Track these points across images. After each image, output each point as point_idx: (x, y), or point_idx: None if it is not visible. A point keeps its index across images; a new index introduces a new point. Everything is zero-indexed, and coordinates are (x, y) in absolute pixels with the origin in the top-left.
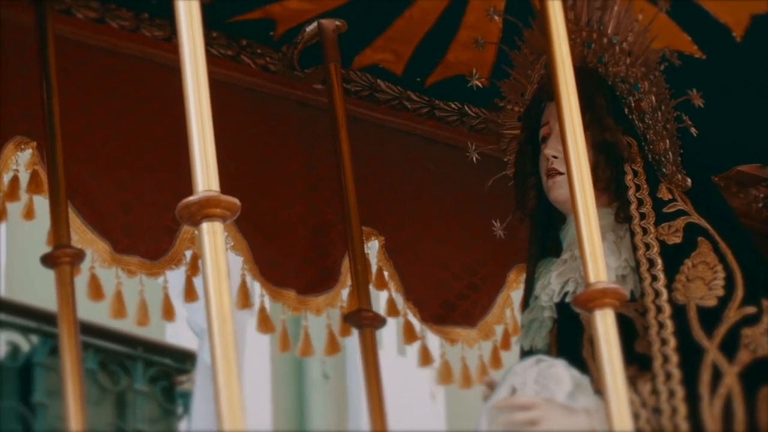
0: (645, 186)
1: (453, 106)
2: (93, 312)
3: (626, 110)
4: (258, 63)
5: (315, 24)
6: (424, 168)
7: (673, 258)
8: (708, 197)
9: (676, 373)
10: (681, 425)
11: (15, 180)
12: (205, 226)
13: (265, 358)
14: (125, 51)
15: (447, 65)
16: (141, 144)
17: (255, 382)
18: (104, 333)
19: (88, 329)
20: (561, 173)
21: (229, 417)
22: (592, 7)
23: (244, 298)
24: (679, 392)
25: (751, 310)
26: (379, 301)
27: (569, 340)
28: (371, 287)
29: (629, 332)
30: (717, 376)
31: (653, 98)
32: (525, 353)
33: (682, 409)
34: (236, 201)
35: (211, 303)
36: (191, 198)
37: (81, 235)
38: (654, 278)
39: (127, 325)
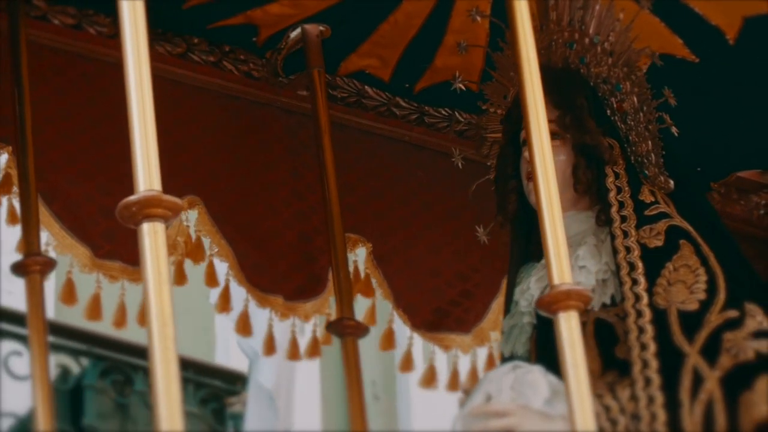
0: (626, 188)
1: (443, 112)
2: (142, 334)
3: (608, 111)
4: (241, 69)
5: (299, 29)
6: (413, 175)
7: (655, 261)
8: (692, 199)
9: (656, 379)
10: None
11: None
12: (146, 226)
13: (315, 379)
14: (103, 57)
15: (435, 70)
16: (121, 150)
17: (305, 404)
18: (112, 344)
19: (139, 352)
20: None
21: (168, 419)
22: (574, 7)
23: (224, 303)
24: (659, 398)
25: (733, 314)
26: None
27: (549, 345)
28: (360, 295)
29: (610, 337)
30: (698, 381)
31: (635, 99)
32: (506, 360)
33: (662, 416)
34: (178, 201)
35: (151, 306)
36: (131, 198)
37: (60, 240)
38: (634, 282)
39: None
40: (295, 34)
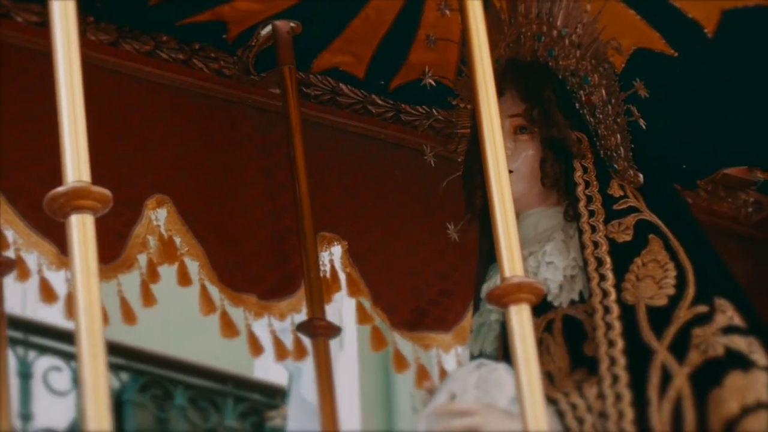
0: (595, 182)
1: (420, 110)
2: (181, 349)
3: (577, 105)
4: (211, 67)
5: (269, 26)
6: (389, 173)
7: (623, 256)
8: (662, 193)
9: (624, 376)
10: (628, 430)
11: None
12: (74, 218)
13: (354, 390)
14: None
15: (410, 67)
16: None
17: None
18: (194, 369)
19: (178, 366)
20: (510, 171)
21: (95, 418)
22: None
23: (208, 304)
24: (626, 396)
25: (702, 309)
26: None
27: None
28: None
29: (578, 334)
30: (666, 378)
31: (603, 92)
32: (474, 358)
33: (629, 414)
34: (107, 192)
35: (79, 300)
36: (59, 189)
37: (26, 238)
38: (602, 278)
39: (216, 361)
40: (266, 31)
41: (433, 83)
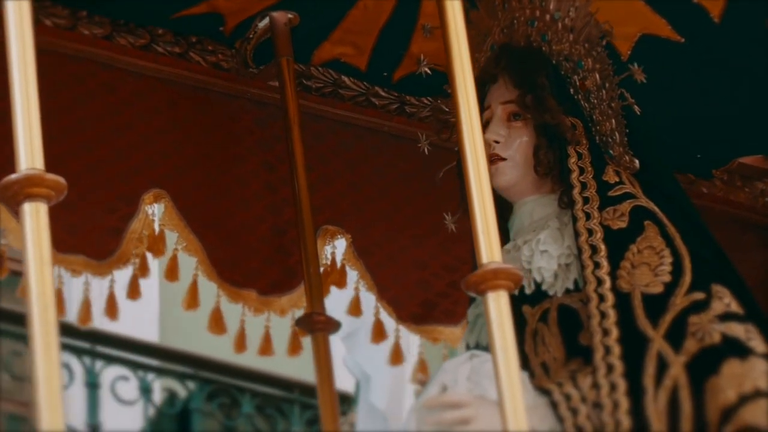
0: (589, 169)
1: (425, 101)
2: (248, 357)
3: (572, 90)
4: (209, 60)
5: (267, 18)
6: (394, 166)
7: (618, 244)
8: (658, 179)
9: (618, 365)
10: (623, 421)
11: None
12: (27, 206)
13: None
14: (62, 50)
15: (412, 57)
16: (83, 143)
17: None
18: (260, 377)
19: (245, 374)
20: (503, 159)
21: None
22: None
23: (192, 299)
24: (622, 385)
25: (699, 296)
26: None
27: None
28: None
29: (574, 324)
30: (662, 367)
31: (597, 76)
32: (470, 350)
33: (625, 403)
34: (62, 180)
35: (32, 290)
36: (12, 176)
37: (16, 234)
38: (597, 265)
39: (283, 369)
40: (263, 23)
41: (429, 71)
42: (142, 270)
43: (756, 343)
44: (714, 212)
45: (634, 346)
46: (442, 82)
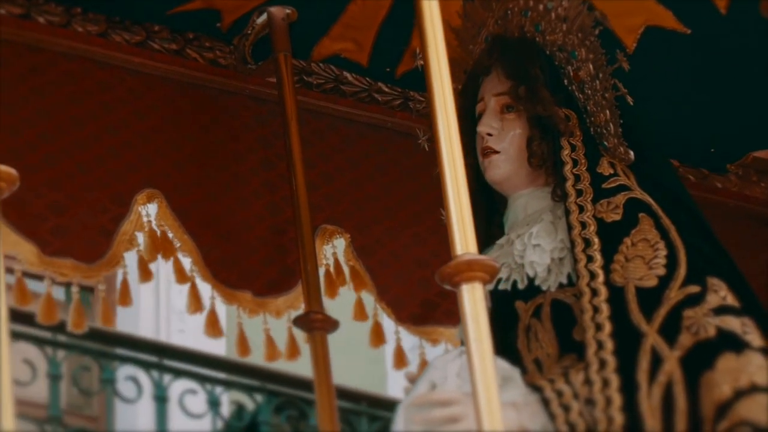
0: (583, 161)
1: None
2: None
3: (566, 81)
4: (206, 57)
5: (266, 14)
6: (397, 163)
7: (612, 237)
8: (653, 170)
9: (611, 361)
10: (616, 417)
11: None
12: None
13: None
14: (55, 48)
15: (414, 52)
16: (74, 142)
17: None
18: (287, 380)
19: (313, 386)
20: (496, 152)
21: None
22: None
23: (195, 302)
24: (614, 381)
25: (694, 289)
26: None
27: (504, 330)
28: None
29: (568, 319)
30: (656, 362)
31: (591, 66)
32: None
33: (617, 400)
34: (13, 171)
35: None
36: None
37: (4, 237)
38: (590, 259)
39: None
40: (261, 18)
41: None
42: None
43: (752, 336)
44: (728, 207)
45: (627, 341)
46: None
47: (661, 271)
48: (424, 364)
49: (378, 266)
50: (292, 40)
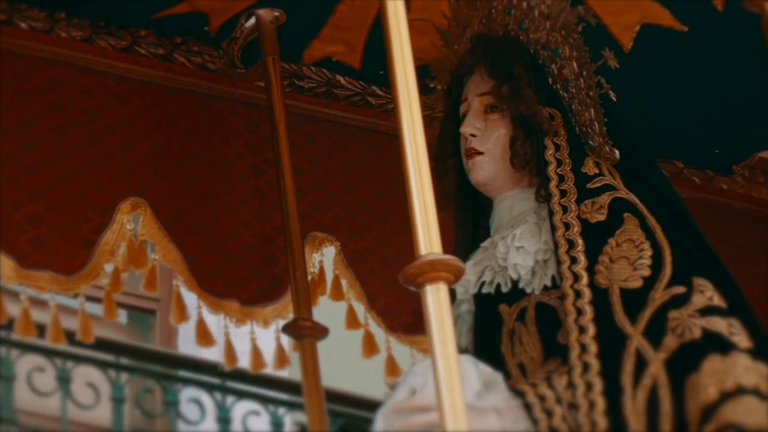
0: (567, 160)
1: (426, 100)
2: (377, 390)
3: (550, 80)
4: (194, 61)
5: (254, 17)
6: (390, 168)
7: (596, 237)
8: (640, 170)
9: (595, 364)
10: (599, 421)
11: None
12: None
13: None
14: (37, 53)
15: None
16: (56, 151)
17: None
18: (349, 400)
19: (375, 406)
20: (480, 153)
21: None
22: None
23: (180, 312)
24: (598, 385)
25: (679, 290)
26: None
27: (487, 334)
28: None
29: (552, 322)
30: (641, 364)
31: (575, 64)
32: None
33: (601, 404)
34: None
35: None
36: None
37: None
38: (573, 260)
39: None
40: (250, 22)
41: None
42: (115, 285)
43: (739, 338)
44: (734, 210)
45: (611, 343)
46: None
47: (646, 272)
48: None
49: (369, 275)
50: (283, 44)
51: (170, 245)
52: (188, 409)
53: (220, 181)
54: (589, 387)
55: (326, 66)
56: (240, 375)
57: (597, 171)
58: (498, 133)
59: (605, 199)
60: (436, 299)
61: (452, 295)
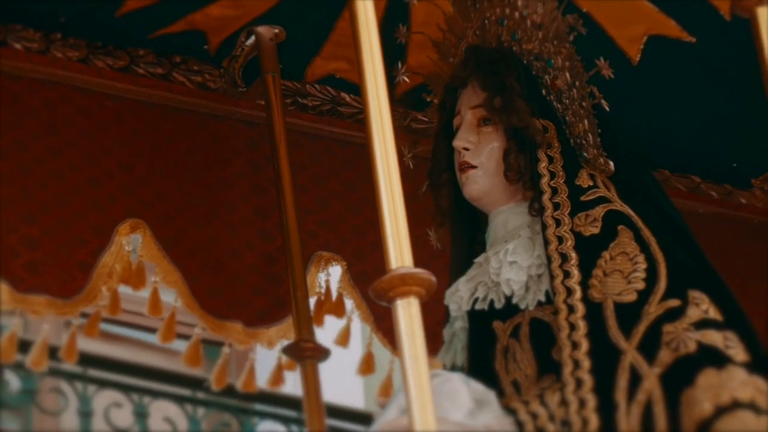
0: (561, 173)
1: (425, 116)
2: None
3: (544, 91)
4: (194, 80)
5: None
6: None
7: (590, 251)
8: (635, 181)
9: (588, 380)
10: None
11: None
12: None
13: None
14: (32, 74)
15: (412, 70)
16: (52, 173)
17: None
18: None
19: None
20: (474, 166)
21: None
22: None
23: (167, 332)
24: (591, 401)
25: (674, 303)
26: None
27: (481, 351)
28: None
29: (547, 339)
30: (635, 380)
31: (568, 75)
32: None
33: (594, 421)
34: None
35: None
36: None
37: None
38: (567, 275)
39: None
40: (251, 39)
41: (407, 80)
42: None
43: (735, 351)
44: (753, 224)
45: (605, 359)
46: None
47: (641, 286)
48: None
49: None
50: (285, 61)
51: (170, 266)
52: None
53: (221, 201)
54: (582, 404)
55: (330, 83)
56: (271, 398)
57: (591, 183)
58: (491, 146)
59: (599, 211)
60: (407, 314)
61: (447, 315)
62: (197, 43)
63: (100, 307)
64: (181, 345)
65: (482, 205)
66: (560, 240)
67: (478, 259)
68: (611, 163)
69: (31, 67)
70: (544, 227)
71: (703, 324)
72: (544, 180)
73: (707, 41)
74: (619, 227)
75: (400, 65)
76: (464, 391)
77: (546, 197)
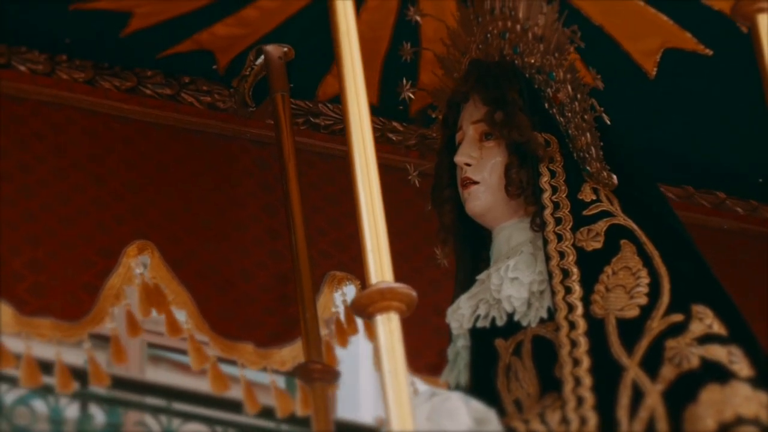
0: (563, 187)
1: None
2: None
3: (546, 105)
4: (203, 101)
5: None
6: (410, 206)
7: (592, 266)
8: (639, 195)
9: (589, 398)
10: None
11: None
12: None
13: None
14: (37, 97)
15: (425, 87)
16: (57, 195)
17: None
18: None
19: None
20: (476, 182)
21: None
22: None
23: (199, 357)
24: (592, 420)
25: (677, 317)
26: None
27: (483, 370)
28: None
29: (549, 356)
30: (637, 397)
31: (569, 87)
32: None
33: None
34: None
35: None
36: None
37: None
38: (568, 290)
39: None
40: (260, 59)
41: (411, 96)
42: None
43: (739, 366)
44: None
45: (606, 375)
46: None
47: (643, 301)
48: None
49: None
50: (297, 80)
51: (180, 288)
52: None
53: (232, 222)
54: (583, 422)
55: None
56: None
57: (594, 197)
58: (494, 161)
59: (602, 226)
60: (387, 329)
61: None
62: (206, 63)
63: (113, 329)
64: (264, 378)
65: (485, 221)
66: (562, 255)
67: (481, 276)
68: (615, 177)
69: (35, 89)
70: (545, 242)
71: (707, 339)
72: (546, 195)
73: (728, 55)
74: (622, 241)
75: (404, 82)
76: (463, 410)
77: (547, 212)
